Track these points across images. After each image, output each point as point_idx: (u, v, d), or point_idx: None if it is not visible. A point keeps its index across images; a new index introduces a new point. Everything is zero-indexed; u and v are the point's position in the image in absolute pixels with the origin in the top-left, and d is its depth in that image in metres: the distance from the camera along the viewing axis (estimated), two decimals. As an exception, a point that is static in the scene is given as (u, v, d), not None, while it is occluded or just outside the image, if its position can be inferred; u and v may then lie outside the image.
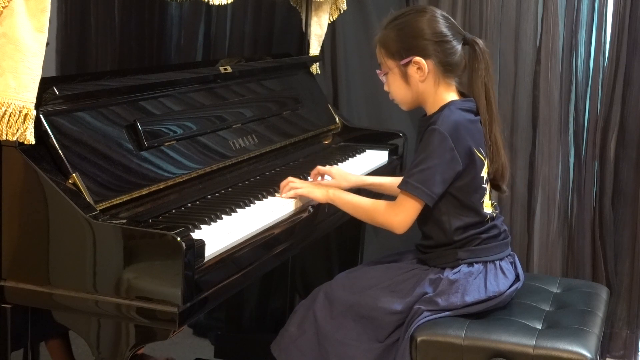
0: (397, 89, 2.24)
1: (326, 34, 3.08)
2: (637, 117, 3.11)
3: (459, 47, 2.20)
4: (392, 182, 2.45)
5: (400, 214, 2.15)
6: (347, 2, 3.05)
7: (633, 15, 3.07)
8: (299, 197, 2.24)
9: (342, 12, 3.06)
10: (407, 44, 2.19)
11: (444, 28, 2.18)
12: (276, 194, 2.24)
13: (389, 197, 2.34)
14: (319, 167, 2.42)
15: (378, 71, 2.27)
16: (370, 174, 2.67)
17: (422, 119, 2.27)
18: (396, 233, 2.17)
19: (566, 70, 3.16)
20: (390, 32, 2.22)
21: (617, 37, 3.09)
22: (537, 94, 3.17)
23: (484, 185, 2.20)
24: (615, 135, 3.14)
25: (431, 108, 2.22)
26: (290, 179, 2.26)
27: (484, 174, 2.20)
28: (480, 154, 2.18)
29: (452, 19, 2.24)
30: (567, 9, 3.13)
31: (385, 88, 2.27)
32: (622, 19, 3.07)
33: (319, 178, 2.43)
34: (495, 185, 2.30)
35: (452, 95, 2.22)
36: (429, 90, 2.20)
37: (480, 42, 2.22)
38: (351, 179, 2.45)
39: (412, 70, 2.19)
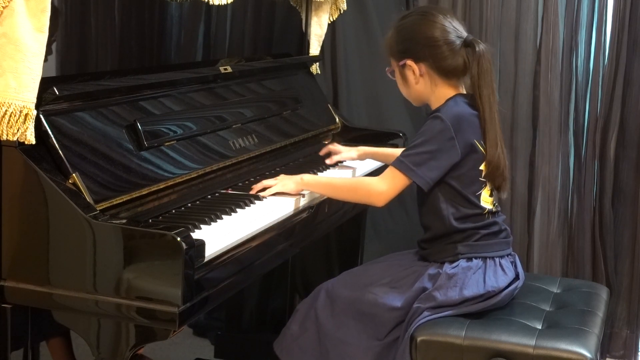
0: (400, 86, 2.32)
1: (326, 34, 3.07)
2: (637, 117, 3.11)
3: (455, 50, 2.20)
4: (395, 152, 2.53)
5: (385, 187, 2.18)
6: (347, 2, 3.05)
7: (633, 15, 3.07)
8: (283, 195, 2.23)
9: (342, 12, 3.06)
10: (402, 47, 2.25)
11: (438, 33, 2.19)
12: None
13: None
14: (330, 146, 2.65)
15: (387, 68, 2.34)
16: (371, 174, 2.67)
17: (428, 116, 2.28)
18: (376, 206, 2.22)
19: (566, 70, 3.16)
20: (392, 33, 2.29)
21: (617, 37, 3.09)
22: (537, 94, 3.17)
23: (481, 179, 2.21)
24: (615, 135, 3.14)
25: (435, 104, 2.26)
26: (264, 181, 2.27)
27: (483, 167, 2.21)
28: (481, 147, 2.20)
29: (453, 23, 2.22)
30: (567, 9, 3.13)
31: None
32: (622, 19, 3.07)
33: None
34: (496, 187, 2.29)
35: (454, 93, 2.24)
36: (426, 91, 2.25)
37: (479, 45, 2.20)
38: (357, 148, 2.67)
39: (408, 72, 2.25)
